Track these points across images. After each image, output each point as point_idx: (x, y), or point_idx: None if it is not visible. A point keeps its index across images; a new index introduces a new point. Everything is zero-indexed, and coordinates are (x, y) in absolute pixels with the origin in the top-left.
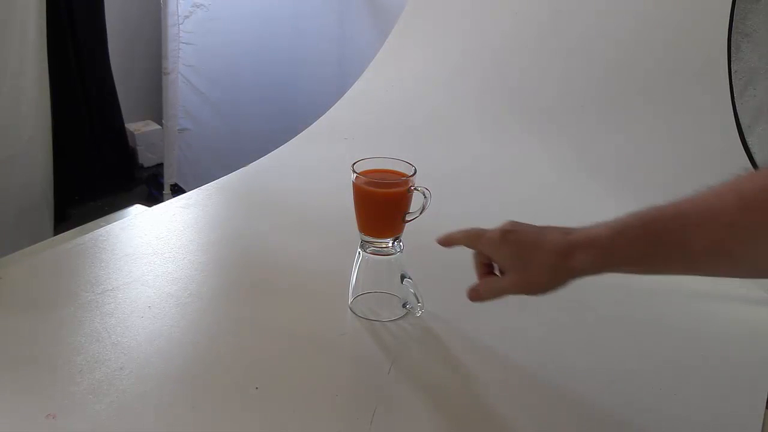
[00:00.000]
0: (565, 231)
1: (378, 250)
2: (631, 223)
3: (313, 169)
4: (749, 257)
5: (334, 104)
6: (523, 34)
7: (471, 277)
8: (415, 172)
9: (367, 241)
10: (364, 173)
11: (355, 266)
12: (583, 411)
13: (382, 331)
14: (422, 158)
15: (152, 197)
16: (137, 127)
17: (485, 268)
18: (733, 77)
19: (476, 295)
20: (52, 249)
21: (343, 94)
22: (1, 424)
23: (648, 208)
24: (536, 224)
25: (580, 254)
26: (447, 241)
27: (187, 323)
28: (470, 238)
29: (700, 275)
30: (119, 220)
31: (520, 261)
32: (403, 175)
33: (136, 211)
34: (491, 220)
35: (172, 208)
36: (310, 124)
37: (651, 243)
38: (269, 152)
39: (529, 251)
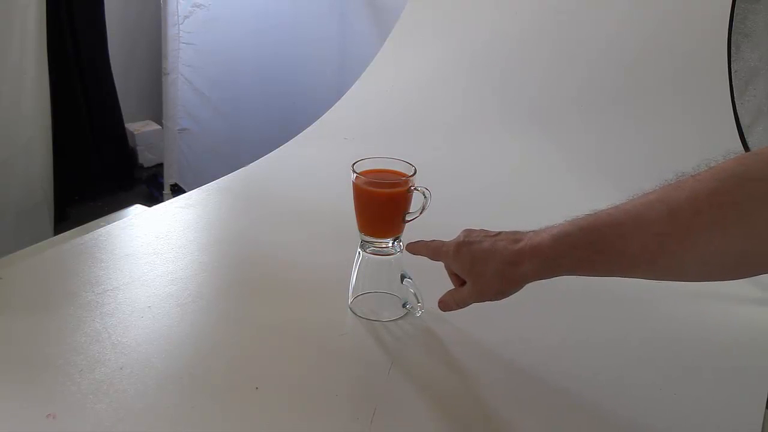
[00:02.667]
0: (515, 238)
1: (378, 250)
2: (570, 231)
3: (313, 169)
4: (683, 265)
5: (334, 104)
6: (523, 34)
7: None
8: (415, 172)
9: (367, 241)
10: (364, 173)
11: (355, 266)
12: (583, 411)
13: (382, 331)
14: (422, 158)
15: (152, 197)
16: (137, 127)
17: (456, 277)
18: (733, 77)
19: (444, 305)
20: (52, 249)
21: (343, 94)
22: (1, 424)
23: (586, 216)
24: (504, 229)
25: (526, 263)
26: (413, 250)
27: (187, 323)
28: (431, 251)
29: (648, 279)
30: (119, 220)
31: (474, 271)
32: (403, 175)
33: (136, 211)
34: (491, 219)
35: (172, 208)
36: (310, 124)
37: (589, 250)
38: (269, 152)
39: (481, 262)
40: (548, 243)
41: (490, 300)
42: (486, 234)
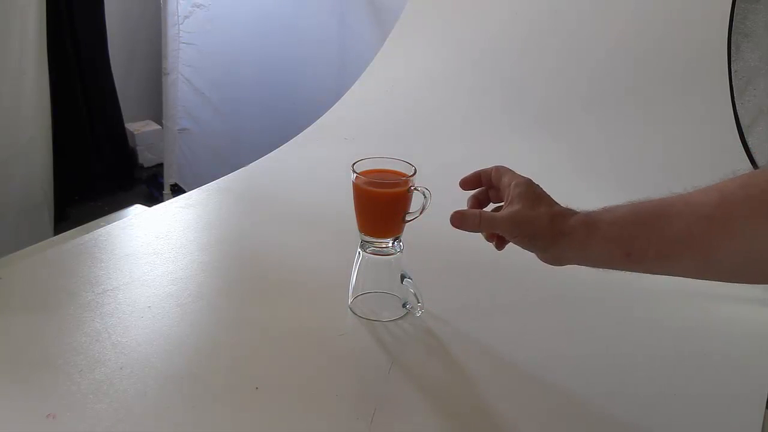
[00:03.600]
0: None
1: (378, 250)
2: (621, 205)
3: (313, 169)
4: (719, 253)
5: (334, 104)
6: (523, 33)
7: (471, 278)
8: (415, 172)
9: (367, 241)
10: (364, 173)
11: (355, 266)
12: (583, 411)
13: (382, 331)
14: (422, 158)
15: (152, 197)
16: (137, 127)
17: (476, 202)
18: (733, 77)
19: (459, 217)
20: (52, 249)
21: (343, 94)
22: (1, 424)
23: (638, 200)
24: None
25: (573, 218)
26: (470, 180)
27: (187, 323)
28: (498, 168)
29: (668, 273)
30: (119, 220)
31: (533, 198)
32: (403, 175)
33: (136, 211)
34: None
35: (172, 208)
36: (310, 124)
37: (633, 222)
38: (269, 152)
39: (543, 197)
40: (597, 209)
41: (521, 235)
42: None
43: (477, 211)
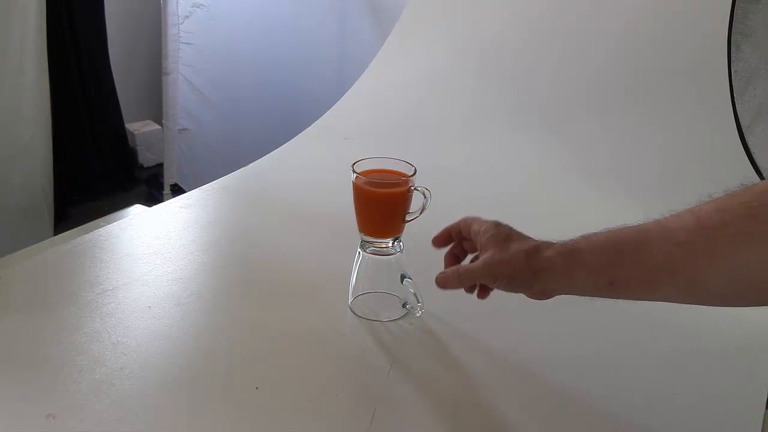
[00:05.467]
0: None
1: (378, 250)
2: (596, 233)
3: (313, 169)
4: (701, 278)
5: (334, 104)
6: (523, 33)
7: None
8: (415, 172)
9: (367, 241)
10: (364, 173)
11: (355, 266)
12: (583, 411)
13: (382, 331)
14: (422, 158)
15: (152, 197)
16: (137, 127)
17: (453, 258)
18: (733, 77)
19: (443, 279)
20: (52, 249)
21: (343, 94)
22: (1, 424)
23: (614, 228)
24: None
25: (549, 250)
26: (441, 237)
27: (187, 323)
28: (465, 219)
29: (670, 299)
30: (119, 220)
31: (503, 239)
32: (403, 175)
33: (136, 211)
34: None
35: (172, 208)
36: (310, 124)
37: (614, 250)
38: (269, 152)
39: (513, 237)
40: (574, 239)
41: (501, 279)
42: None
43: (454, 268)
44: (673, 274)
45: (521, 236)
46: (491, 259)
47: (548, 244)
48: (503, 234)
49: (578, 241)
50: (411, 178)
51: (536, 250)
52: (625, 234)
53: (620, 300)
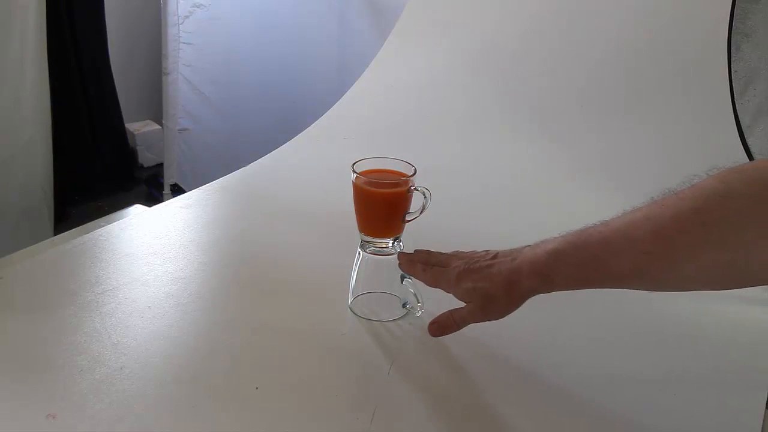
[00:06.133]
0: (512, 257)
1: (378, 250)
2: (564, 249)
3: (313, 169)
4: (670, 280)
5: (334, 104)
6: (523, 33)
7: None
8: (415, 172)
9: (367, 241)
10: (364, 173)
11: (355, 266)
12: (583, 411)
13: (382, 331)
14: (422, 158)
15: (152, 197)
16: (137, 127)
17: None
18: (733, 77)
19: (439, 326)
20: (52, 249)
21: (343, 94)
22: (1, 424)
23: (578, 232)
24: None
25: (524, 280)
26: (408, 270)
27: (187, 323)
28: (429, 279)
29: (646, 290)
30: (119, 220)
31: (477, 294)
32: (403, 175)
33: (136, 211)
34: (491, 219)
35: (172, 208)
36: (310, 124)
37: (582, 267)
38: (269, 152)
39: (486, 286)
40: (543, 260)
41: (493, 319)
42: (482, 256)
43: (446, 314)
44: (640, 278)
45: (485, 276)
46: (475, 311)
47: (515, 274)
48: (470, 288)
49: (547, 262)
50: (411, 178)
51: (510, 285)
52: (588, 248)
53: (621, 300)
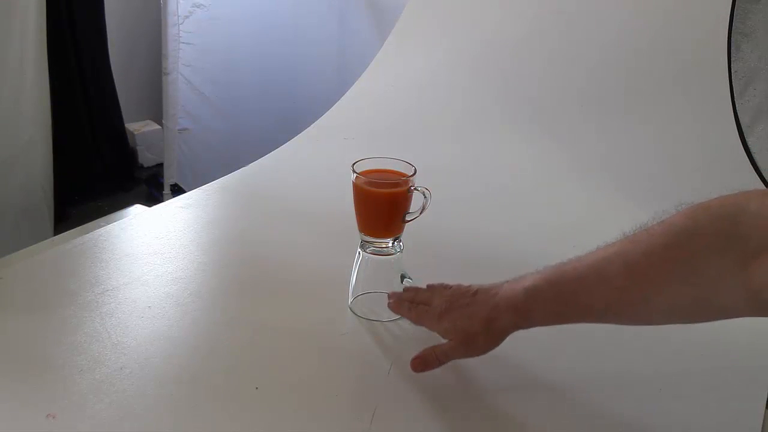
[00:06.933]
0: (491, 293)
1: (378, 250)
2: (540, 286)
3: (313, 169)
4: (642, 314)
5: (334, 104)
6: (523, 34)
7: (471, 278)
8: (415, 172)
9: (367, 241)
10: (364, 173)
11: (355, 266)
12: (583, 411)
13: (382, 331)
14: (422, 158)
15: (152, 197)
16: (137, 127)
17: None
18: (733, 77)
19: (421, 361)
20: (52, 249)
21: (343, 94)
22: (1, 424)
23: (554, 268)
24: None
25: (503, 317)
26: (396, 310)
27: (187, 323)
28: (413, 317)
29: (620, 324)
30: (119, 220)
31: (458, 333)
32: (403, 175)
33: (136, 211)
34: (491, 219)
35: (172, 208)
36: (310, 124)
37: (559, 304)
38: (269, 152)
39: (466, 325)
40: (521, 297)
41: (475, 356)
42: (463, 293)
43: (429, 349)
44: (617, 314)
45: (465, 315)
46: (458, 348)
47: (495, 311)
48: (451, 327)
49: (524, 300)
50: (411, 178)
51: (490, 322)
52: (564, 285)
53: None
